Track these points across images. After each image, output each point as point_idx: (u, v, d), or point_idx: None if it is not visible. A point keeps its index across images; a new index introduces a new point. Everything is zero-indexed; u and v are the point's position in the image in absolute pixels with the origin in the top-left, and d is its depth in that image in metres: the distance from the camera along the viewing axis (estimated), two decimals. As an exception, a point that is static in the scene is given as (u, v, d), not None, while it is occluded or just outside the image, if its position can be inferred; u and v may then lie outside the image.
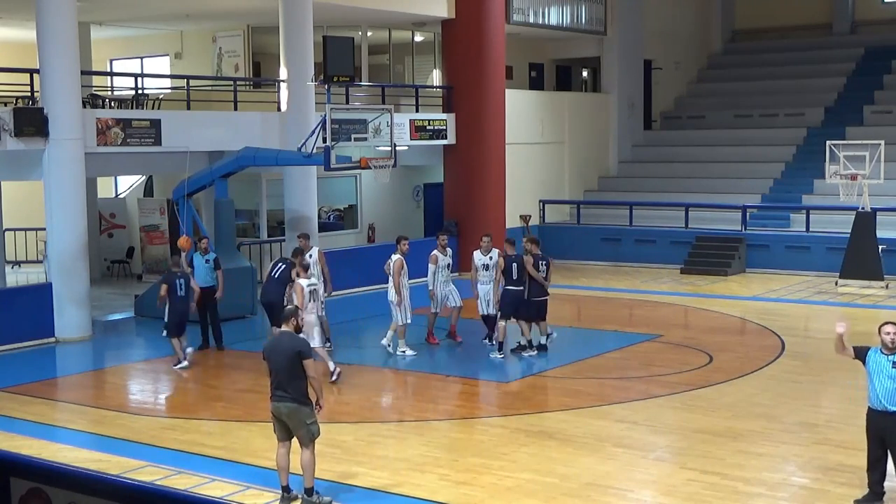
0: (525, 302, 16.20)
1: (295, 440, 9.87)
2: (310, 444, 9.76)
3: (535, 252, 16.27)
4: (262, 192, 24.26)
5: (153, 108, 21.83)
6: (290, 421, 9.71)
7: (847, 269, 22.57)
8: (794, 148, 29.46)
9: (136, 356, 17.37)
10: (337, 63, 18.54)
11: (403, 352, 16.56)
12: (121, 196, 27.46)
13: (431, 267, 17.12)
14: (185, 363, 15.75)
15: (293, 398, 9.65)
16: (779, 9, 35.62)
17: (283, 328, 9.91)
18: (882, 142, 22.58)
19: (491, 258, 16.60)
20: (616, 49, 31.06)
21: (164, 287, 15.67)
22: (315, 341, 14.30)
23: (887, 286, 22.03)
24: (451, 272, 17.83)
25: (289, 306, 9.92)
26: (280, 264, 16.19)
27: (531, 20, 27.92)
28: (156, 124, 19.64)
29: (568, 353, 16.80)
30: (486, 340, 16.89)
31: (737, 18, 36.84)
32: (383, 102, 23.60)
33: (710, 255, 25.43)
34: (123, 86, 25.63)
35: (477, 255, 16.76)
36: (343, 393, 14.67)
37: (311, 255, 16.56)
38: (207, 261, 17.06)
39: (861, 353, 10.00)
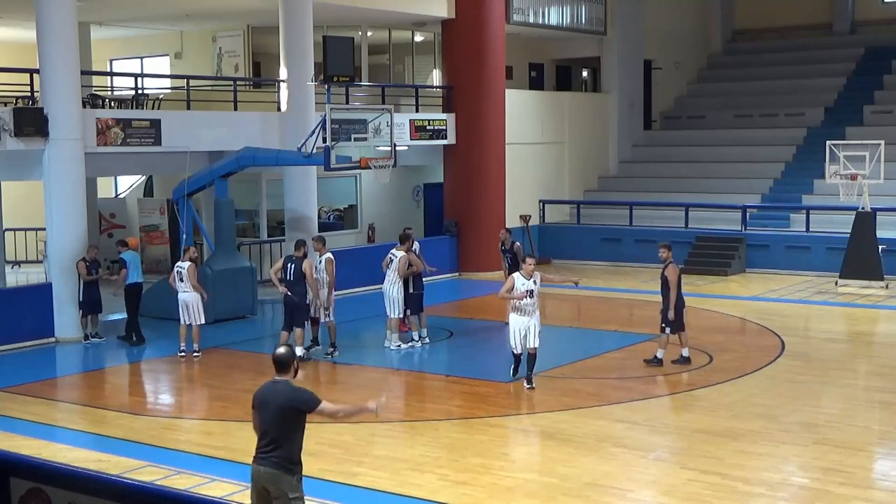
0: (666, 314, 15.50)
1: None
2: None
3: (671, 259, 15.57)
4: (262, 192, 24.26)
5: (153, 108, 21.83)
6: (271, 487, 7.83)
7: (847, 269, 22.57)
8: (794, 148, 29.45)
9: (136, 356, 17.36)
10: (337, 63, 18.55)
11: (399, 345, 16.91)
12: (121, 196, 27.46)
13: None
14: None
15: (279, 463, 7.76)
16: (779, 9, 35.62)
17: (280, 377, 7.90)
18: (882, 142, 22.57)
19: (535, 282, 14.10)
20: (616, 49, 31.06)
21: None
22: (182, 318, 16.46)
23: (887, 286, 22.03)
24: (452, 272, 17.85)
25: (281, 350, 7.97)
26: (290, 264, 16.13)
27: (531, 20, 27.91)
28: (156, 124, 19.64)
29: (568, 353, 16.81)
30: (514, 374, 14.71)
31: (737, 18, 36.83)
32: (383, 102, 23.62)
33: (710, 255, 25.42)
34: (123, 86, 25.63)
35: (518, 278, 14.13)
36: (343, 393, 14.69)
37: (321, 260, 16.51)
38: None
39: None
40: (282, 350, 7.97)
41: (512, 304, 14.19)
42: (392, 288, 16.75)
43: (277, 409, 7.71)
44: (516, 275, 14.20)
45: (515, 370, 14.60)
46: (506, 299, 14.30)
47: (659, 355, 15.50)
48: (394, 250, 17.01)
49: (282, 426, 7.72)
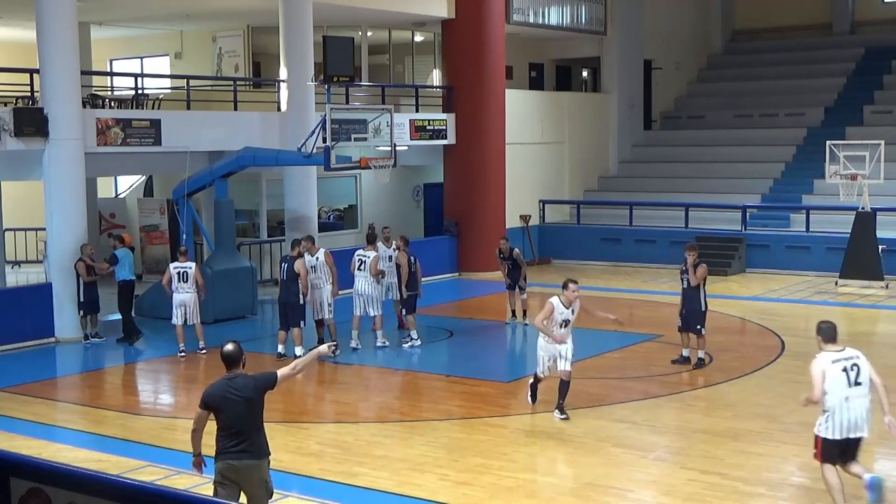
0: (701, 314, 15.24)
1: None
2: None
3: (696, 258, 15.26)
4: (262, 192, 24.26)
5: (153, 108, 21.83)
6: (248, 480, 8.01)
7: (847, 269, 22.57)
8: (794, 148, 29.46)
9: (136, 356, 17.36)
10: (337, 63, 18.55)
11: (385, 343, 17.07)
12: (121, 196, 27.46)
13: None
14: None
15: (258, 452, 8.01)
16: (779, 9, 35.62)
17: (233, 372, 8.13)
18: (882, 142, 22.57)
19: (573, 311, 12.67)
20: (616, 49, 31.06)
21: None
22: (176, 319, 16.48)
23: (887, 286, 22.02)
24: (452, 272, 17.89)
25: (230, 347, 8.17)
26: (284, 264, 16.32)
27: (531, 20, 27.92)
28: (156, 124, 19.64)
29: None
30: (559, 412, 12.78)
31: (737, 18, 36.84)
32: (383, 102, 23.61)
33: (710, 255, 25.30)
34: (123, 86, 25.63)
35: (558, 304, 12.56)
36: (343, 393, 14.71)
37: (317, 258, 16.58)
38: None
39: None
40: (230, 346, 8.20)
41: (557, 335, 12.55)
42: (369, 287, 16.85)
43: (247, 402, 7.94)
44: (555, 300, 12.57)
45: (534, 394, 13.15)
46: (542, 331, 12.61)
47: (701, 355, 15.35)
48: (362, 251, 17.16)
49: (252, 417, 7.96)
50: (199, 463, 8.27)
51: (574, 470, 10.86)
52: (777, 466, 11.01)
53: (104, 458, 11.45)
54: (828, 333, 9.40)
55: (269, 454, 8.14)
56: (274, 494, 8.36)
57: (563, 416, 12.67)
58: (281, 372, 8.21)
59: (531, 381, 13.22)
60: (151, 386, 16.06)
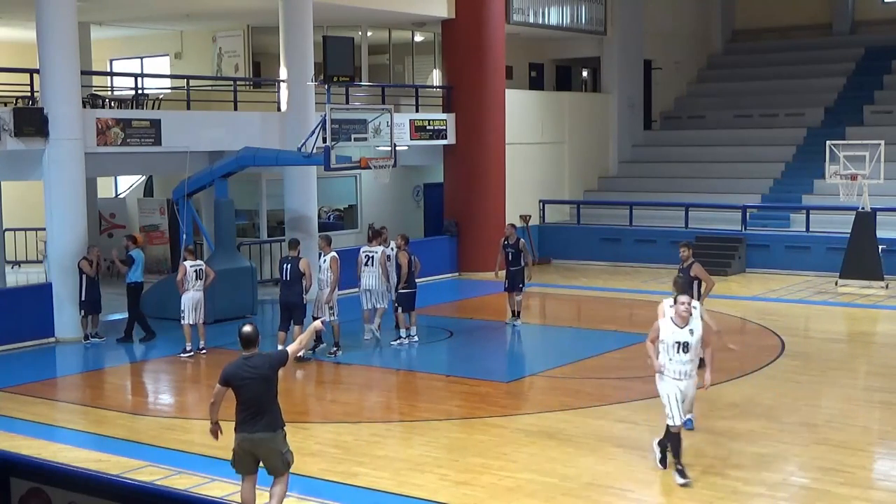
0: None
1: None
2: (286, 473, 8.92)
3: (693, 259, 15.21)
4: (262, 192, 24.27)
5: (153, 108, 21.84)
6: (264, 451, 8.74)
7: (847, 269, 22.57)
8: (794, 148, 29.46)
9: (136, 356, 17.37)
10: (337, 63, 18.56)
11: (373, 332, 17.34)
12: (121, 196, 27.46)
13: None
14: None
15: (272, 425, 8.71)
16: (779, 9, 35.63)
17: (250, 352, 8.73)
18: (882, 142, 22.58)
19: (692, 331, 10.23)
20: (616, 49, 31.06)
21: None
22: (190, 318, 16.49)
23: (887, 286, 22.02)
24: (452, 272, 17.87)
25: (248, 328, 8.73)
26: (286, 265, 16.24)
27: (531, 20, 27.92)
28: (156, 124, 19.64)
29: (568, 353, 16.81)
30: (680, 476, 10.28)
31: (737, 18, 36.84)
32: (383, 102, 23.61)
33: (710, 255, 25.35)
34: (123, 86, 25.64)
35: (666, 326, 10.31)
36: (343, 393, 14.71)
37: (324, 261, 16.53)
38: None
39: None
40: (247, 328, 8.82)
41: (656, 362, 10.41)
42: (377, 282, 17.08)
43: (264, 379, 8.67)
44: (663, 322, 10.30)
45: (664, 456, 10.67)
46: (649, 357, 10.60)
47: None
48: (367, 247, 17.26)
49: (268, 393, 8.70)
50: (215, 431, 8.94)
51: (574, 470, 10.86)
52: (777, 466, 11.01)
53: (104, 458, 11.45)
54: (678, 286, 10.97)
55: (284, 426, 8.80)
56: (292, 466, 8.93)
57: (684, 481, 10.19)
58: (291, 349, 9.12)
59: (660, 439, 10.75)
60: (151, 386, 16.07)
